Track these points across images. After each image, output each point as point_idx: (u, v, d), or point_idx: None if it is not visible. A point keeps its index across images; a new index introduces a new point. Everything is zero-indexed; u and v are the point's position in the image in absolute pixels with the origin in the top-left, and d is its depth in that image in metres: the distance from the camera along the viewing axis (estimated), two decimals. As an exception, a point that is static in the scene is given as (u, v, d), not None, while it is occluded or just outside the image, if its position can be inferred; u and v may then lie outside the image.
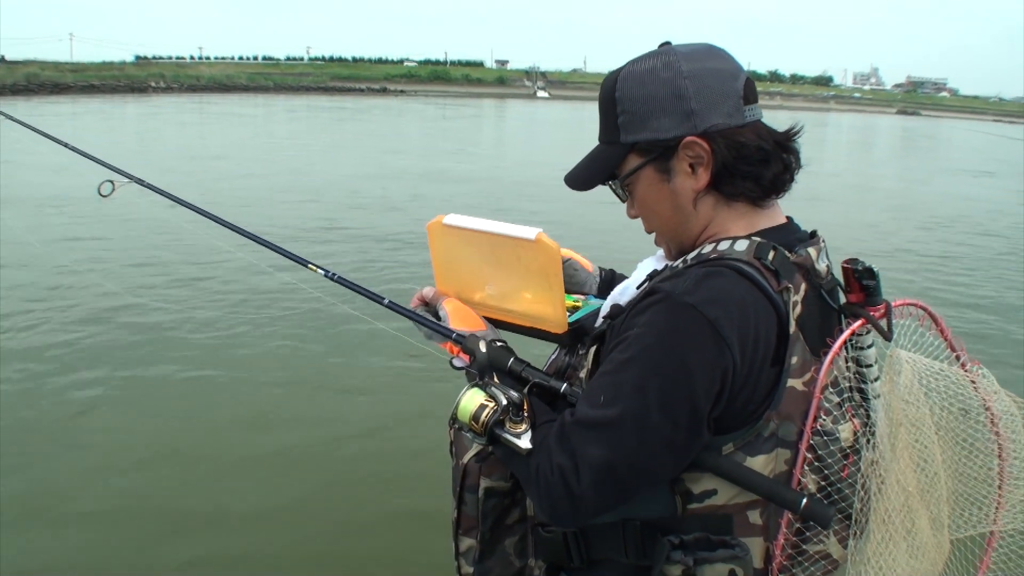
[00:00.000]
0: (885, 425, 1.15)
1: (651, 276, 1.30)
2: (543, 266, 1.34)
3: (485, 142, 30.71)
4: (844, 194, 16.89)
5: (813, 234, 1.26)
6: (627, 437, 1.08)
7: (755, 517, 1.15)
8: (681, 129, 1.18)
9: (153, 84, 67.00)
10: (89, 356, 6.00)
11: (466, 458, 1.37)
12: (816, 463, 1.13)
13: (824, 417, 1.13)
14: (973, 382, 1.21)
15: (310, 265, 1.62)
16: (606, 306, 1.39)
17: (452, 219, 1.41)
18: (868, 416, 1.19)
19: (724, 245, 1.17)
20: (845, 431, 1.15)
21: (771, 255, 1.14)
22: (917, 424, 1.14)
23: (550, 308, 1.38)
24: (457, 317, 1.40)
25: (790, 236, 1.22)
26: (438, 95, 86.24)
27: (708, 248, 1.19)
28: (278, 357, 6.20)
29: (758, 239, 1.17)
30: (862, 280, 1.17)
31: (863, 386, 1.19)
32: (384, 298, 1.47)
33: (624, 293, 1.37)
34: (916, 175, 24.48)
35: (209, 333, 6.60)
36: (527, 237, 1.32)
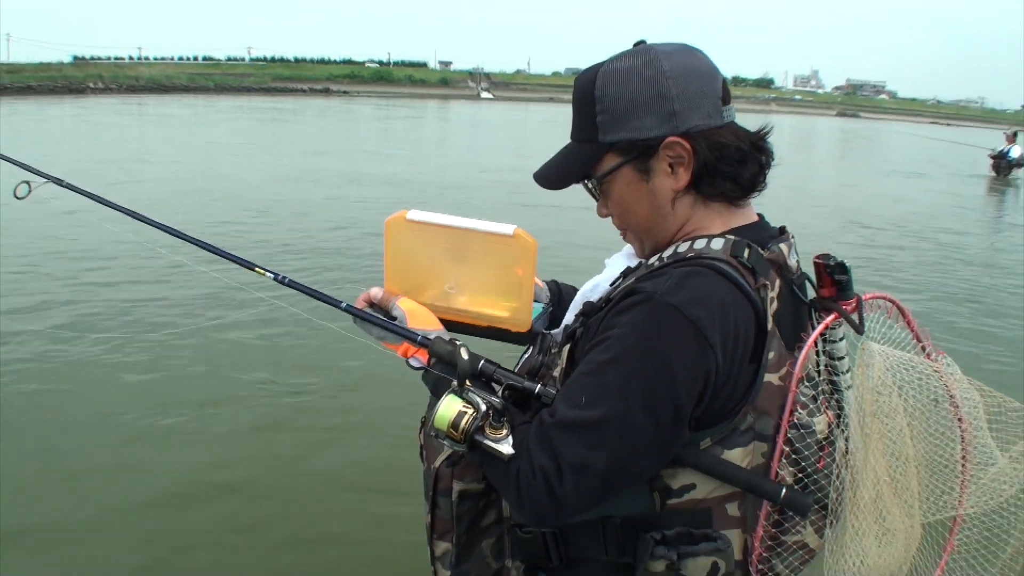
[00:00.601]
0: (857, 416, 1.18)
1: (625, 273, 1.30)
2: (518, 262, 1.32)
3: (422, 143, 30.38)
4: (785, 195, 17.19)
5: (783, 230, 1.28)
6: (610, 438, 1.08)
7: (733, 510, 1.17)
8: (662, 129, 1.18)
9: (91, 85, 64.93)
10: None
11: (437, 462, 1.34)
12: (793, 455, 1.15)
13: (800, 410, 1.15)
14: (938, 371, 1.24)
15: (257, 268, 1.50)
16: (576, 303, 1.38)
17: (416, 215, 1.36)
18: (841, 408, 1.21)
19: (700, 243, 1.18)
20: (820, 423, 1.17)
21: (747, 253, 1.15)
22: (889, 414, 1.17)
23: (515, 307, 1.36)
24: (415, 318, 1.36)
25: (762, 233, 1.24)
26: (381, 96, 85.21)
27: (684, 246, 1.20)
28: (240, 356, 6.08)
29: (733, 237, 1.18)
30: (834, 275, 1.20)
31: (835, 378, 1.22)
32: (341, 302, 1.41)
33: (595, 290, 1.37)
34: (852, 176, 25.03)
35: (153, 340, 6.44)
36: (504, 233, 1.29)
